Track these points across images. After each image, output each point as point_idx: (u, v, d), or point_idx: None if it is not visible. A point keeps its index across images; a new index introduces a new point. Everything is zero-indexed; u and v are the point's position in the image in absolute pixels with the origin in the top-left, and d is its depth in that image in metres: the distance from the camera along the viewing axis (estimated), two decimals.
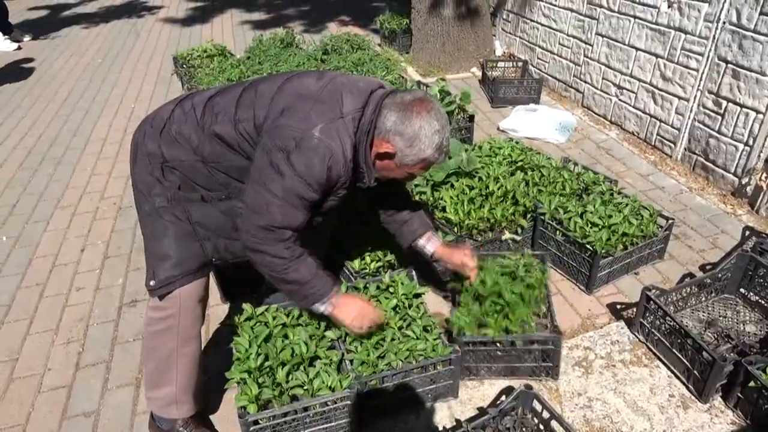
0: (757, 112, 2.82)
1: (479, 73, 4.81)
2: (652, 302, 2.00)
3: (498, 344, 1.90)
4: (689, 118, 3.24)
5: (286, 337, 1.87)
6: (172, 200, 1.60)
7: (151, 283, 1.56)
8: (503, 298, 1.94)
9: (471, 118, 3.56)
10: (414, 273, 2.18)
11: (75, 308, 2.40)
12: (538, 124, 3.76)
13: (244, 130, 1.54)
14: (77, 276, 2.59)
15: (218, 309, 2.34)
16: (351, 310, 1.73)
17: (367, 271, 2.25)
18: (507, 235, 2.54)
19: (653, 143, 3.54)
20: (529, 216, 2.55)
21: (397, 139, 1.52)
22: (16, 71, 5.42)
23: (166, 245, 1.58)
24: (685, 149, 3.31)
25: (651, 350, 2.06)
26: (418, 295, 2.07)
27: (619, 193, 2.68)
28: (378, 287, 2.10)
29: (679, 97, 3.28)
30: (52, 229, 2.95)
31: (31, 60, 5.72)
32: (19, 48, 6.10)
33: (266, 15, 7.32)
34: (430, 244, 1.99)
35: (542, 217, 2.50)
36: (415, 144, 1.52)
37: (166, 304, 1.59)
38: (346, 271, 2.29)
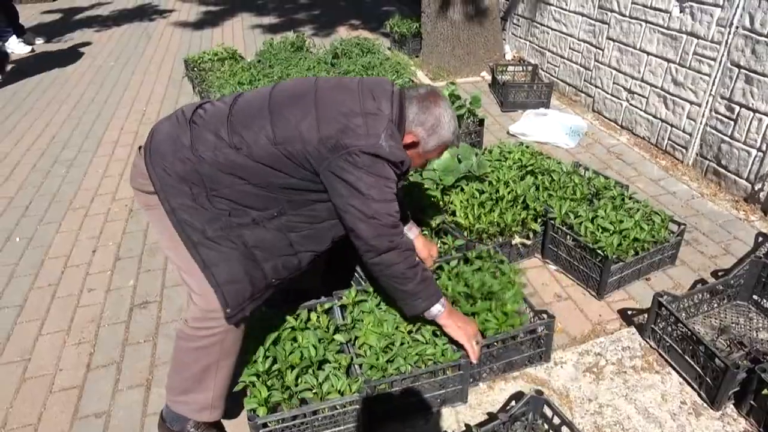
0: None
1: (489, 77, 4.80)
2: (663, 308, 1.99)
3: (501, 342, 1.90)
4: (701, 123, 3.22)
5: (295, 340, 1.87)
6: (225, 228, 1.53)
7: (228, 311, 1.54)
8: (493, 293, 2.01)
9: (481, 122, 3.56)
10: None
11: (86, 309, 2.41)
12: (548, 128, 3.75)
13: (288, 152, 1.50)
14: (89, 277, 2.61)
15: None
16: (460, 315, 1.84)
17: None
18: (517, 240, 2.53)
19: (664, 148, 3.52)
20: (539, 221, 2.55)
21: (419, 130, 1.65)
22: (30, 74, 5.48)
23: (229, 271, 1.53)
24: (697, 154, 3.29)
25: (662, 357, 2.04)
26: None
27: (630, 198, 2.66)
28: None
29: (691, 102, 3.26)
30: (64, 231, 2.97)
31: (44, 62, 5.78)
32: (33, 51, 6.17)
33: (277, 19, 7.36)
34: (411, 232, 2.09)
35: (552, 222, 2.49)
36: (436, 131, 1.66)
37: (212, 324, 1.56)
38: (357, 275, 2.29)
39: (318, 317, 1.97)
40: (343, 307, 2.04)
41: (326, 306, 2.02)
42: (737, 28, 2.91)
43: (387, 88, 1.64)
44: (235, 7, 8.00)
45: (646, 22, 3.50)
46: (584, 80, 4.21)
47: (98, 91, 4.96)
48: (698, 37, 3.15)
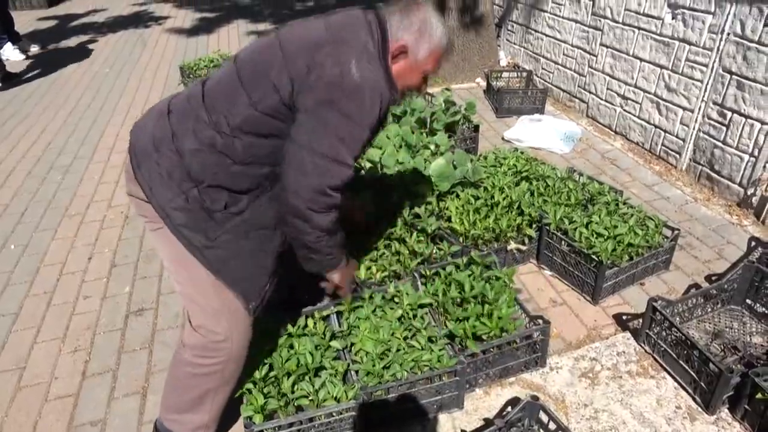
0: (762, 123, 2.82)
1: (484, 83, 4.83)
2: (658, 313, 2.00)
3: (497, 348, 1.91)
4: (694, 128, 3.25)
5: (291, 347, 1.87)
6: (224, 222, 1.48)
7: (252, 305, 1.54)
8: (486, 298, 2.02)
9: (476, 128, 3.58)
10: (419, 282, 2.19)
11: (82, 317, 2.41)
12: (543, 134, 3.77)
13: (267, 108, 1.43)
14: (84, 284, 2.61)
15: None
16: (348, 274, 1.84)
17: (372, 281, 2.26)
18: (512, 245, 2.54)
19: (658, 153, 3.54)
20: (534, 226, 2.56)
21: (406, 35, 1.52)
22: (25, 80, 5.47)
23: (242, 266, 1.52)
24: (690, 160, 3.31)
25: (657, 361, 2.05)
26: (423, 306, 2.08)
27: (625, 203, 2.68)
28: (383, 297, 2.11)
29: (684, 108, 3.29)
30: (59, 238, 2.97)
31: (39, 69, 5.77)
32: (28, 57, 6.16)
33: (272, 25, 7.37)
34: None
35: (547, 228, 2.51)
36: (424, 34, 1.52)
37: (214, 354, 1.55)
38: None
39: (315, 324, 1.98)
40: (339, 314, 2.05)
41: (324, 313, 2.02)
42: (728, 34, 2.94)
43: (359, 14, 1.54)
44: (231, 14, 8.02)
45: (639, 28, 3.53)
46: (578, 86, 4.24)
47: (94, 98, 4.96)
48: (690, 44, 3.18)
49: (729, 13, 2.92)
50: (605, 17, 3.82)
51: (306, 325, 1.98)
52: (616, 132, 3.90)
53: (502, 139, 3.86)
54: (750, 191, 2.93)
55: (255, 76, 1.45)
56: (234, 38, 6.80)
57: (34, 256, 2.82)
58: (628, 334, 2.19)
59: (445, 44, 1.56)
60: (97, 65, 5.90)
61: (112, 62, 5.99)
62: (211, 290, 1.50)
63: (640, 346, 2.12)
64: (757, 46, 2.80)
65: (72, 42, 6.79)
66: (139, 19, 7.89)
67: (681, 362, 1.94)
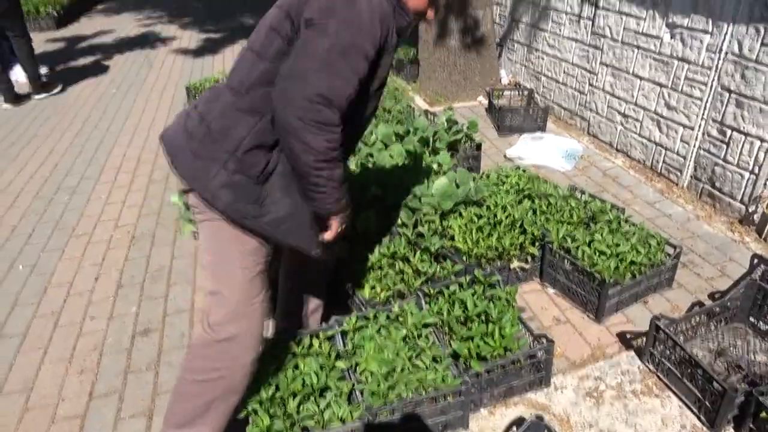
0: (762, 140, 2.85)
1: (486, 102, 4.88)
2: (661, 332, 2.01)
3: (501, 367, 1.92)
4: (694, 146, 3.28)
5: (297, 367, 1.89)
6: (265, 183, 1.50)
7: (315, 252, 1.64)
8: (490, 316, 2.03)
9: (478, 146, 3.61)
10: (423, 301, 2.20)
11: (88, 337, 2.43)
12: (545, 151, 3.81)
13: (275, 53, 1.45)
14: (91, 305, 2.63)
15: None
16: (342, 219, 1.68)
17: (377, 300, 2.28)
18: (515, 264, 2.56)
19: (659, 171, 3.57)
20: (537, 244, 2.58)
21: None
22: (33, 102, 5.56)
23: (301, 221, 1.57)
24: (692, 177, 3.34)
25: (662, 380, 2.05)
26: (427, 325, 2.09)
27: (627, 221, 2.70)
28: (388, 317, 2.12)
29: (684, 126, 3.32)
30: (67, 258, 3.00)
31: (47, 90, 5.86)
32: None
33: None
34: None
35: (550, 246, 2.52)
36: None
37: (223, 356, 1.58)
38: (356, 300, 2.32)
39: (320, 344, 1.99)
40: (344, 334, 2.06)
41: (329, 333, 2.04)
42: (726, 53, 2.98)
43: None
44: (235, 34, 8.13)
45: (638, 47, 3.58)
46: (579, 104, 4.28)
47: (101, 118, 5.03)
48: (689, 63, 3.22)
49: (726, 33, 2.96)
50: (604, 36, 3.87)
51: (311, 345, 1.99)
52: (617, 149, 3.93)
53: (505, 157, 3.90)
54: (751, 208, 2.95)
55: (258, 35, 1.52)
56: None
57: (42, 277, 2.85)
58: (632, 353, 2.20)
59: None
60: (104, 86, 5.99)
61: (119, 83, 6.08)
62: (245, 285, 1.57)
63: (644, 364, 2.12)
64: (755, 65, 2.83)
65: (80, 63, 6.89)
66: (145, 40, 8.01)
67: (685, 381, 1.94)
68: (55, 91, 5.82)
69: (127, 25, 9.06)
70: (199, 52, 7.29)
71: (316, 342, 2.00)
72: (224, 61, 6.76)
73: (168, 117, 4.98)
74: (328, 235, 1.67)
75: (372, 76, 1.50)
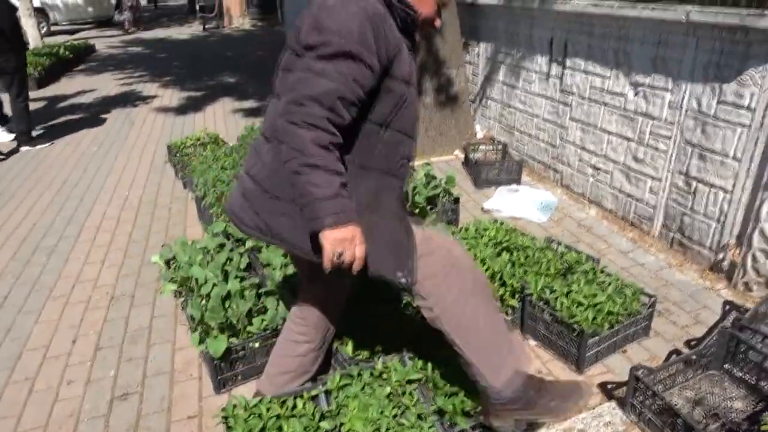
0: (725, 191, 2.99)
1: (462, 156, 5.03)
2: (640, 382, 2.04)
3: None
4: (663, 197, 3.41)
5: (280, 429, 1.87)
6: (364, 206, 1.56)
7: (401, 276, 1.63)
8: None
9: (456, 200, 3.71)
10: (407, 358, 2.21)
11: (65, 403, 2.37)
12: (521, 204, 3.92)
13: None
14: (68, 368, 2.57)
15: (210, 401, 2.33)
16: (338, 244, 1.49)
17: (360, 357, 2.28)
18: None
19: (631, 221, 3.69)
20: (517, 297, 2.63)
21: None
22: (12, 161, 5.56)
23: (375, 247, 1.57)
24: (662, 226, 3.46)
25: (643, 430, 2.07)
26: (411, 381, 2.09)
27: (602, 271, 2.77)
28: (371, 374, 2.12)
29: (652, 177, 3.47)
30: (43, 320, 2.95)
31: (27, 150, 5.87)
32: (16, 139, 6.27)
33: (258, 103, 7.65)
34: None
35: (530, 298, 2.57)
36: None
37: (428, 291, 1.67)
38: (340, 357, 2.31)
39: (304, 404, 1.98)
40: (328, 393, 2.05)
41: (312, 392, 2.03)
42: (687, 110, 3.16)
43: None
44: (216, 92, 8.31)
45: (605, 104, 3.77)
46: (552, 157, 4.44)
47: (81, 177, 5.04)
48: (653, 118, 3.40)
49: (685, 91, 3.15)
50: (572, 93, 4.07)
51: (294, 406, 1.98)
52: (590, 200, 4.06)
53: (482, 210, 3.99)
54: (720, 256, 3.06)
55: (276, 80, 1.59)
56: (220, 116, 7.02)
57: (17, 341, 2.79)
58: (613, 404, 2.22)
59: None
60: (85, 144, 6.02)
61: (101, 141, 6.12)
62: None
63: (626, 415, 2.14)
64: (714, 120, 3.01)
65: (60, 122, 6.95)
66: (126, 99, 8.13)
67: (667, 430, 1.96)
68: (45, 145, 5.97)
69: (108, 84, 9.20)
70: (180, 110, 7.41)
71: (300, 402, 1.98)
72: (205, 119, 6.88)
73: (149, 175, 5.01)
74: (324, 260, 1.49)
75: (387, 76, 1.48)
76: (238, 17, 18.87)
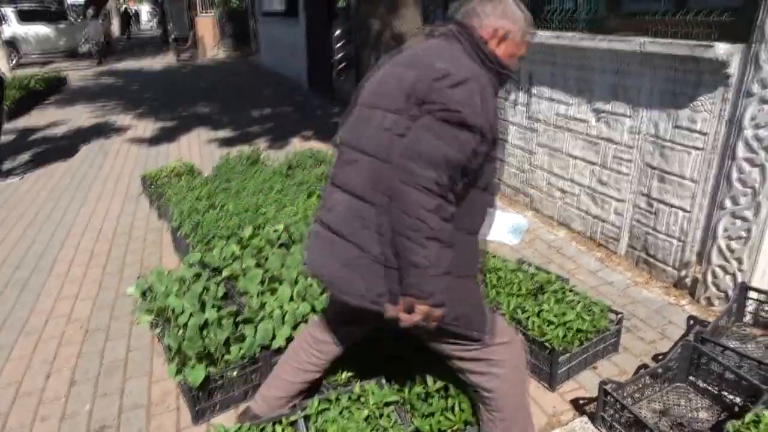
0: (684, 211, 3.13)
1: None
2: (609, 396, 2.12)
3: None
4: (627, 217, 3.55)
5: None
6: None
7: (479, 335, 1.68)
8: (449, 390, 2.09)
9: None
10: (384, 381, 2.25)
11: None
12: (493, 227, 4.01)
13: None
14: (42, 405, 2.54)
15: None
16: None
17: (338, 381, 2.31)
18: None
19: (598, 241, 3.82)
20: None
21: (504, 21, 1.62)
22: None
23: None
24: (628, 246, 3.59)
25: None
26: (389, 404, 2.13)
27: (571, 290, 2.87)
28: (349, 398, 2.16)
29: (616, 199, 3.61)
30: (15, 357, 2.90)
31: (4, 178, 5.81)
32: None
33: (232, 132, 7.70)
34: None
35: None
36: (517, 16, 1.64)
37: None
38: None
39: (283, 430, 2.00)
40: (307, 418, 2.07)
41: (291, 418, 2.05)
42: (646, 135, 3.33)
43: (431, 29, 1.67)
44: (191, 123, 8.34)
45: (569, 130, 3.93)
46: (521, 181, 4.58)
47: (53, 209, 4.99)
48: (615, 143, 3.56)
49: (643, 117, 3.32)
50: (539, 120, 4.23)
51: None
52: (559, 223, 4.19)
53: None
54: (683, 273, 3.19)
55: (368, 140, 1.61)
56: (195, 146, 7.05)
57: None
58: (585, 418, 2.28)
59: (528, 17, 1.68)
60: (57, 177, 5.97)
61: (73, 173, 6.08)
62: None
63: (597, 429, 2.21)
64: (671, 144, 3.17)
65: (31, 155, 6.87)
66: (100, 130, 8.09)
67: None
68: (15, 179, 5.90)
69: (81, 116, 9.16)
70: (154, 140, 7.41)
71: (279, 428, 2.00)
72: (180, 149, 6.90)
73: (123, 206, 4.99)
74: (403, 316, 1.53)
75: (493, 148, 1.59)
76: (212, 47, 19.02)
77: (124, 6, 34.85)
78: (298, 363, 2.12)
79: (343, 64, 9.94)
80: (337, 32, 9.68)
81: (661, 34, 3.19)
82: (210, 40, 19.04)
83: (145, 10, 43.32)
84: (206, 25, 18.92)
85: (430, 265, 1.44)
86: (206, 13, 19.05)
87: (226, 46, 19.34)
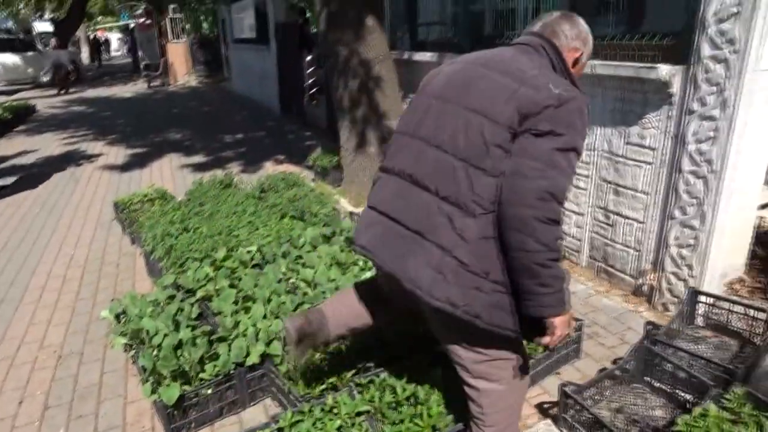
0: (638, 222, 3.31)
1: None
2: (570, 398, 2.23)
3: None
4: (587, 230, 3.72)
5: None
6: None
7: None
8: (417, 399, 2.18)
9: None
10: (355, 391, 2.33)
11: None
12: None
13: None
14: (15, 430, 2.54)
15: None
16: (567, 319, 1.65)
17: (311, 394, 2.38)
18: (440, 349, 2.75)
19: (562, 254, 3.98)
20: None
21: (578, 43, 1.75)
22: None
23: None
24: (589, 257, 3.76)
25: None
26: (360, 413, 2.21)
27: None
28: (322, 409, 2.22)
29: (576, 213, 3.78)
30: None
31: None
32: None
33: (205, 158, 7.75)
34: None
35: None
36: (588, 39, 1.79)
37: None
38: (291, 396, 2.40)
39: None
40: (280, 430, 2.13)
41: (265, 431, 2.11)
42: (601, 151, 3.52)
43: (518, 49, 1.73)
44: (163, 149, 8.36)
45: None
46: None
47: (23, 238, 4.96)
48: None
49: (597, 134, 3.51)
50: None
51: None
52: None
53: None
54: (640, 281, 3.36)
55: (470, 150, 1.62)
56: (167, 172, 7.07)
57: None
58: (549, 421, 2.39)
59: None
60: (27, 205, 5.93)
61: (43, 201, 6.05)
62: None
63: (560, 430, 2.32)
64: (624, 159, 3.36)
65: (0, 184, 6.81)
66: (70, 158, 8.05)
67: None
68: None
69: (51, 144, 9.10)
70: (126, 167, 7.41)
71: None
72: (152, 176, 6.91)
73: (95, 232, 4.99)
74: (548, 340, 1.63)
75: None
76: (183, 74, 19.08)
77: (93, 34, 34.76)
78: (361, 302, 2.11)
79: (315, 90, 10.12)
80: (308, 58, 9.87)
81: (611, 57, 3.40)
82: (182, 67, 19.10)
83: (115, 38, 43.21)
84: (178, 51, 19.00)
85: (560, 281, 1.53)
86: (178, 40, 19.14)
87: (198, 72, 19.42)
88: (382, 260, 1.74)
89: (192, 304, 3.01)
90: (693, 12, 2.83)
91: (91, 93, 16.50)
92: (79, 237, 4.92)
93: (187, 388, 2.42)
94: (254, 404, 2.61)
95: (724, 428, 1.95)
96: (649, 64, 3.07)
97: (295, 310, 2.82)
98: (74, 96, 15.86)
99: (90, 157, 8.07)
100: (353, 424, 2.15)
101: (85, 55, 29.21)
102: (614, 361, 2.82)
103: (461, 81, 1.70)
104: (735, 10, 2.60)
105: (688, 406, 2.33)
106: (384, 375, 2.39)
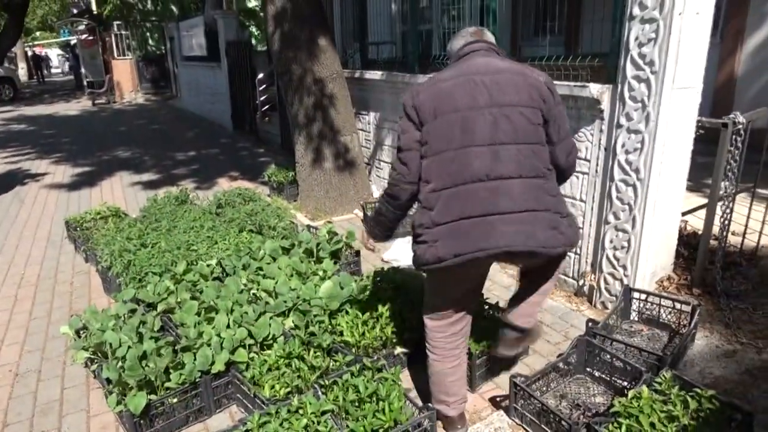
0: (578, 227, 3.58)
1: (361, 213, 5.43)
2: (519, 388, 2.42)
3: None
4: None
5: None
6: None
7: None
8: (379, 396, 2.32)
9: (357, 253, 4.05)
10: (320, 392, 2.44)
11: None
12: (402, 247, 4.32)
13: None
14: None
15: None
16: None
17: (277, 397, 2.47)
18: (399, 350, 2.91)
19: None
20: (415, 329, 2.96)
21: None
22: None
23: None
24: None
25: (526, 430, 2.44)
26: (325, 412, 2.32)
27: (486, 303, 3.20)
28: (288, 410, 2.33)
29: None
30: None
31: None
32: None
33: (156, 175, 7.68)
34: None
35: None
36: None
37: None
38: (257, 400, 2.49)
39: None
40: None
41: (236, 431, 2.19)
42: None
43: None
44: (112, 167, 8.23)
45: None
46: None
47: None
48: None
49: None
50: None
51: None
52: None
53: (382, 260, 4.36)
54: (581, 282, 3.62)
55: (516, 132, 2.09)
56: (118, 190, 6.98)
57: None
58: (501, 412, 2.57)
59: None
60: None
61: None
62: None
63: (512, 419, 2.50)
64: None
65: None
66: (13, 177, 7.81)
67: (543, 426, 2.34)
68: None
69: None
70: (74, 186, 7.26)
71: None
72: (102, 193, 6.81)
73: (46, 251, 4.90)
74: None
75: None
76: (130, 92, 18.71)
77: (32, 50, 33.50)
78: (451, 362, 2.37)
79: (267, 107, 10.20)
80: (260, 76, 9.95)
81: (551, 77, 3.69)
82: (128, 84, 18.74)
83: (55, 54, 41.77)
84: (123, 69, 18.65)
85: None
86: (124, 57, 18.79)
87: (144, 90, 19.08)
88: (513, 244, 2.01)
89: (154, 317, 3.05)
90: (618, 37, 3.14)
91: (32, 110, 15.94)
92: (29, 256, 4.82)
93: (153, 397, 2.47)
94: (220, 411, 2.68)
95: (655, 407, 2.18)
96: (581, 83, 3.36)
97: (257, 319, 2.91)
98: (13, 114, 15.29)
99: (35, 176, 7.84)
100: (319, 422, 2.26)
101: (23, 71, 28.14)
102: (559, 356, 3.04)
103: (482, 88, 2.05)
104: (653, 35, 2.92)
105: (625, 391, 2.56)
106: (347, 376, 2.52)
